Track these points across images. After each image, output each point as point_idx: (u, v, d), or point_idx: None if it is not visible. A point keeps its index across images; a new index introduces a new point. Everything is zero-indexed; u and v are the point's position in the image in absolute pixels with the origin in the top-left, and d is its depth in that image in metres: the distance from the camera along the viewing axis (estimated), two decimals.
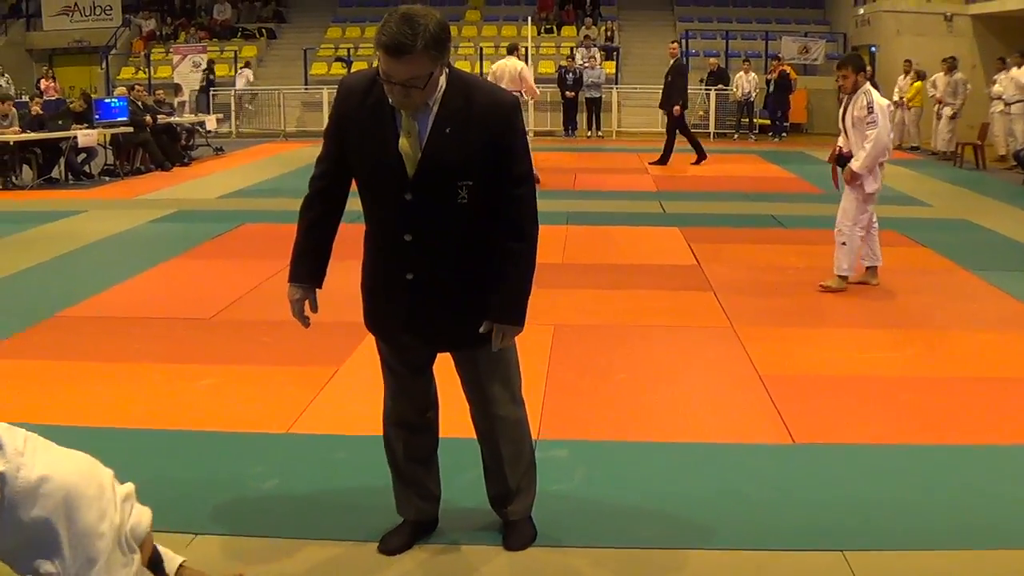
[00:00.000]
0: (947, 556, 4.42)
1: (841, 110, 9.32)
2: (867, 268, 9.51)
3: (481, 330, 4.05)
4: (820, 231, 11.37)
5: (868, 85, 9.10)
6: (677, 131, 20.51)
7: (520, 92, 17.98)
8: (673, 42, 22.49)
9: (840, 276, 9.27)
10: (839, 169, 9.30)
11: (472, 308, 4.06)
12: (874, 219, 9.41)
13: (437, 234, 3.96)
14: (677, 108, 20.37)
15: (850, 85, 9.02)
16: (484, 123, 3.87)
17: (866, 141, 8.90)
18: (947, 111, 22.23)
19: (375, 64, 3.87)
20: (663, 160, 20.27)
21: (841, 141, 9.38)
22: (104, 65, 31.99)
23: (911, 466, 5.43)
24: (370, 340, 4.44)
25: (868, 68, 9.31)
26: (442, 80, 3.86)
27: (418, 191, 3.88)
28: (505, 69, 18.12)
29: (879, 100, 8.97)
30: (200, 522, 4.67)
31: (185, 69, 29.35)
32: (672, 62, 21.03)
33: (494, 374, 4.26)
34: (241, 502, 4.95)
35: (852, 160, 9.03)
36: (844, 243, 9.20)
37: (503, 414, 4.32)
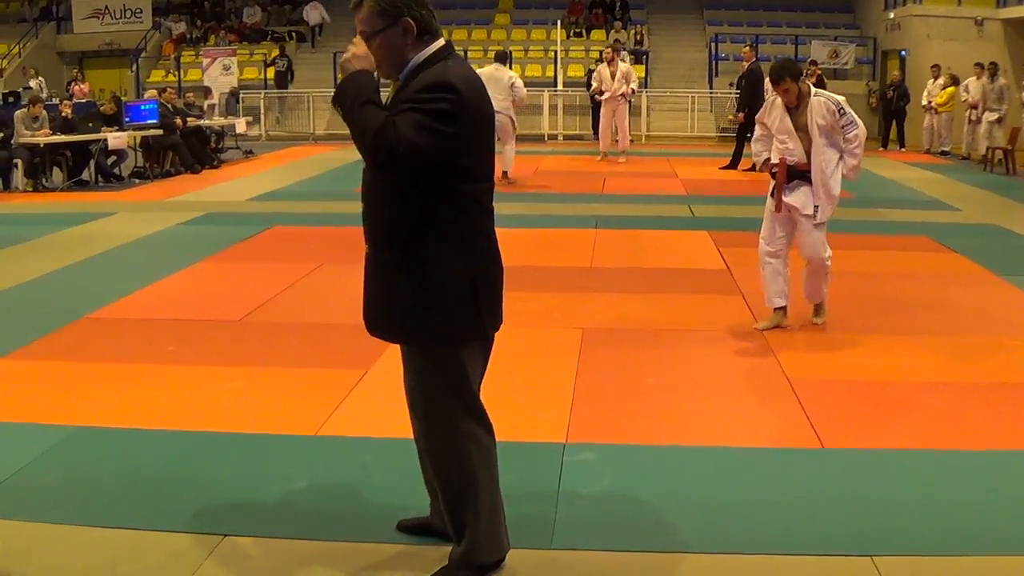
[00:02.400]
0: (977, 562, 4.39)
1: (783, 117, 7.98)
2: (778, 309, 8.28)
3: None
4: (850, 236, 11.35)
5: (814, 88, 8.03)
6: (748, 135, 20.29)
7: (509, 114, 17.47)
8: (747, 46, 22.19)
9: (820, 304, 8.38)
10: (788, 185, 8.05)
11: (394, 296, 3.96)
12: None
13: (372, 203, 3.96)
14: (740, 115, 20.21)
15: (794, 96, 7.86)
16: (411, 89, 3.82)
17: (852, 146, 7.85)
18: (989, 116, 22.00)
19: None
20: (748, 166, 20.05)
21: (777, 150, 8.08)
22: (134, 68, 32.12)
23: (941, 472, 5.40)
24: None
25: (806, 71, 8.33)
26: (421, 58, 3.88)
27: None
28: (492, 81, 16.57)
29: (839, 97, 7.92)
30: (229, 523, 4.69)
31: (215, 72, 29.44)
32: (747, 66, 20.84)
33: (417, 378, 4.06)
34: (270, 504, 4.96)
35: (847, 171, 7.93)
36: (828, 274, 8.23)
37: (422, 432, 4.13)
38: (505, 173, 17.57)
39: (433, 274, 3.89)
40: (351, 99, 3.73)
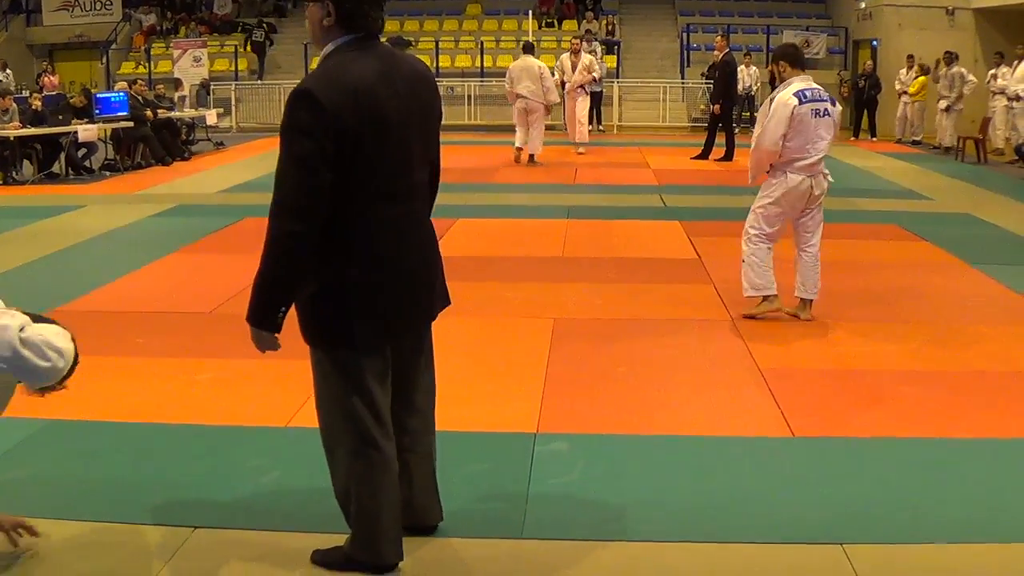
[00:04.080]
0: (947, 550, 4.42)
1: None
2: (800, 300, 8.20)
3: None
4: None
5: (794, 80, 7.82)
6: (720, 125, 20.41)
7: (540, 100, 18.72)
8: (719, 36, 22.18)
9: (748, 298, 8.19)
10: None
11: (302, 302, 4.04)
12: (810, 243, 8.11)
13: None
14: (716, 107, 20.35)
15: (776, 77, 8.03)
16: None
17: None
18: (941, 104, 22.23)
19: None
20: (704, 155, 20.35)
21: None
22: (104, 60, 31.92)
23: (911, 460, 5.42)
24: None
25: (796, 60, 7.94)
26: (329, 49, 3.85)
27: None
28: (524, 70, 18.85)
29: (783, 98, 7.70)
30: (200, 515, 4.68)
31: (185, 64, 29.32)
32: (720, 57, 20.82)
33: (313, 375, 4.17)
34: (241, 495, 4.95)
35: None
36: (743, 260, 8.14)
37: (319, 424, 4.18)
38: (531, 156, 18.84)
39: (316, 280, 3.93)
40: (260, 293, 4.11)
